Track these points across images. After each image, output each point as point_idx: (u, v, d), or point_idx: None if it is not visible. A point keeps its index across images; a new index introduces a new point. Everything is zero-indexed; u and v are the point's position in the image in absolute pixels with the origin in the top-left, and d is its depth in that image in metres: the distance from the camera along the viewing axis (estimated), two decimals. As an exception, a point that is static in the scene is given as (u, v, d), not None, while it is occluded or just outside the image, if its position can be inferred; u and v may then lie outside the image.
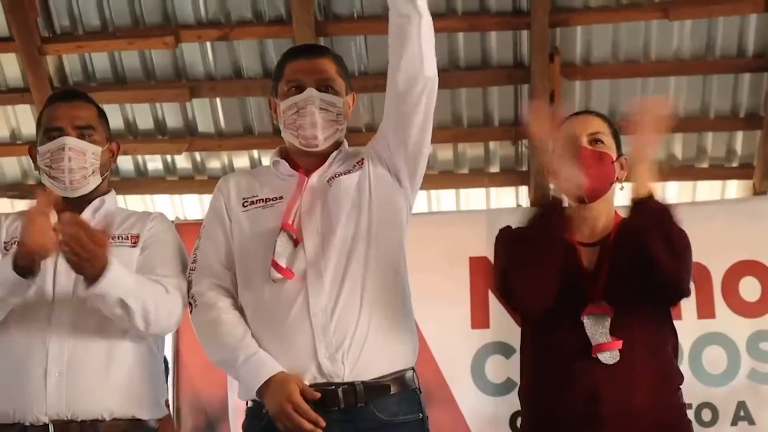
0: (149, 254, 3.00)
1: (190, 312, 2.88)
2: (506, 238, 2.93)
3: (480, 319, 5.38)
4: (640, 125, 2.76)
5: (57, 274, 2.92)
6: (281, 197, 2.88)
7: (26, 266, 2.75)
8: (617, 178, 2.93)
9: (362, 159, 2.94)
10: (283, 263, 2.76)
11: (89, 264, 2.72)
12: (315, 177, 2.90)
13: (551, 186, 2.84)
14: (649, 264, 2.69)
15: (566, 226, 2.83)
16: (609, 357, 2.75)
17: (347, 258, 2.79)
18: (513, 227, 2.93)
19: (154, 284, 2.90)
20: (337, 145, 2.95)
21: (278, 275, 2.75)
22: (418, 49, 2.73)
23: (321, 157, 2.93)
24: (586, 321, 2.78)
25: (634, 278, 2.73)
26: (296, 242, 2.79)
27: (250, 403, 2.83)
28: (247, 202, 2.91)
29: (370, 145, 2.99)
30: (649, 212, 2.72)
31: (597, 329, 2.77)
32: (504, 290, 2.86)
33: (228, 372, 2.90)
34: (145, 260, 2.98)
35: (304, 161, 2.93)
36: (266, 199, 2.90)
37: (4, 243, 2.98)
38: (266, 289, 2.77)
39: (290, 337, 2.72)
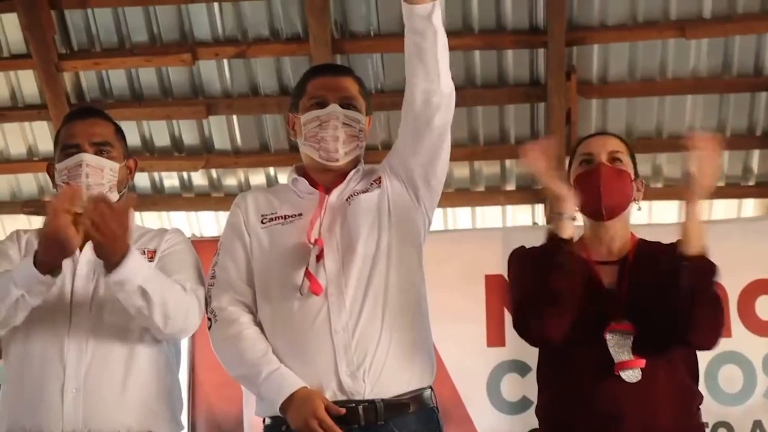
0: (165, 263, 3.00)
1: (209, 328, 2.86)
2: (519, 270, 2.93)
3: (496, 337, 5.35)
4: (695, 180, 2.77)
5: (76, 279, 2.93)
6: (300, 214, 2.87)
7: (48, 262, 2.73)
8: (634, 199, 2.95)
9: (380, 177, 2.94)
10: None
11: (111, 245, 2.70)
12: (334, 195, 2.90)
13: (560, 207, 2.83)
14: (690, 325, 2.72)
15: (576, 262, 2.81)
16: (631, 375, 2.74)
17: (368, 276, 2.78)
18: (526, 248, 2.94)
19: (173, 282, 2.89)
20: (355, 162, 2.95)
21: (308, 285, 2.74)
22: (435, 65, 2.73)
23: (339, 175, 2.93)
24: (609, 338, 2.78)
25: (656, 303, 2.74)
26: (317, 258, 2.78)
27: (268, 420, 2.82)
28: (265, 218, 2.91)
29: (385, 163, 2.99)
30: (703, 276, 2.80)
31: (620, 347, 2.76)
32: (520, 328, 2.85)
33: (249, 387, 2.88)
34: (161, 268, 2.97)
35: (322, 178, 2.93)
36: (285, 216, 2.89)
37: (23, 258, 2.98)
38: (286, 305, 2.77)
39: (311, 353, 2.72)
